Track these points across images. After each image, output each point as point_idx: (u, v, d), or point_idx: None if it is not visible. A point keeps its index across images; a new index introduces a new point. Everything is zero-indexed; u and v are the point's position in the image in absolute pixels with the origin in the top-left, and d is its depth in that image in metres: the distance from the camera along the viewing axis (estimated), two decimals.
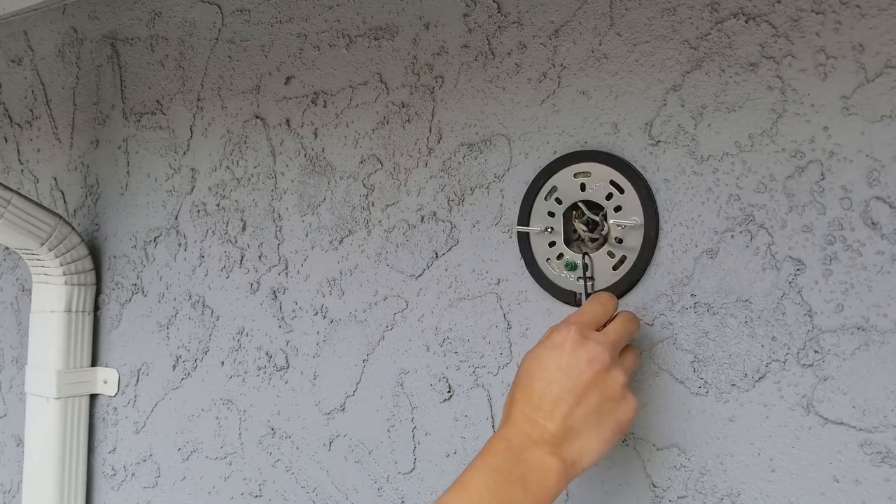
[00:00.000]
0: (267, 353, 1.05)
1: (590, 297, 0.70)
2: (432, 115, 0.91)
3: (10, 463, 1.40)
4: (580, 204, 0.80)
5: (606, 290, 0.78)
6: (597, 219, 0.78)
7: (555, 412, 0.60)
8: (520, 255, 0.83)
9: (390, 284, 0.94)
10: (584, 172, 0.79)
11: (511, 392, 0.64)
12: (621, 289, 0.77)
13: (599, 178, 0.78)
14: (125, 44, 1.25)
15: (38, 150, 1.40)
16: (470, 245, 0.88)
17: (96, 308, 1.26)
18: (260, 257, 1.07)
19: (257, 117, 1.08)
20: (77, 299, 1.22)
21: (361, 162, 0.97)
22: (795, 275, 0.68)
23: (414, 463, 0.91)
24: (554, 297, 0.81)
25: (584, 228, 0.79)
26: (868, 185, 0.66)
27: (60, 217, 1.18)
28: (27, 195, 1.17)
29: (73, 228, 1.20)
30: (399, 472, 0.92)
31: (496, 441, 0.60)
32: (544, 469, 0.58)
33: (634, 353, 0.70)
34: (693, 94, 0.74)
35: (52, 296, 1.20)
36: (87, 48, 1.32)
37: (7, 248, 1.44)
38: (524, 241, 0.83)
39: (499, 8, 0.87)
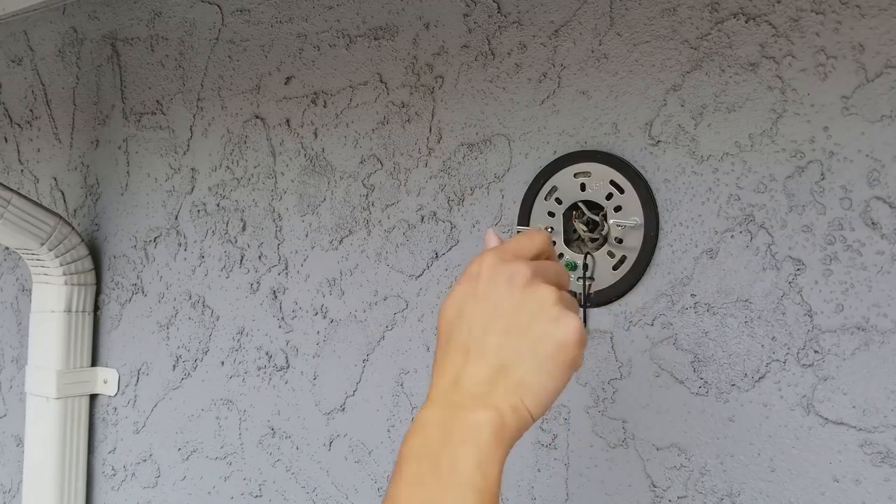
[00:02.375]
0: (267, 353, 1.05)
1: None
2: (432, 115, 0.91)
3: (10, 463, 1.40)
4: (580, 204, 0.80)
5: (606, 290, 0.78)
6: (597, 219, 0.78)
7: (480, 351, 0.49)
8: None
9: (390, 284, 0.94)
10: (584, 172, 0.79)
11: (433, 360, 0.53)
12: (621, 289, 0.77)
13: (599, 178, 0.78)
14: (125, 44, 1.25)
15: (38, 150, 1.40)
16: (470, 245, 0.88)
17: (96, 308, 1.26)
18: (260, 257, 1.07)
19: (257, 117, 1.08)
20: (77, 299, 1.22)
21: (361, 162, 0.97)
22: (795, 275, 0.68)
23: None
24: None
25: (584, 228, 0.79)
26: (868, 185, 0.66)
27: (60, 217, 1.18)
28: (27, 195, 1.17)
29: (73, 228, 1.20)
30: None
31: (412, 437, 0.48)
32: (475, 429, 0.46)
33: (558, 268, 0.56)
34: (693, 94, 0.74)
35: (52, 296, 1.20)
36: (87, 48, 1.32)
37: (7, 248, 1.44)
38: None
39: (499, 8, 0.87)
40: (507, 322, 0.49)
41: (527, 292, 0.50)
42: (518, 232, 0.83)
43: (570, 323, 0.49)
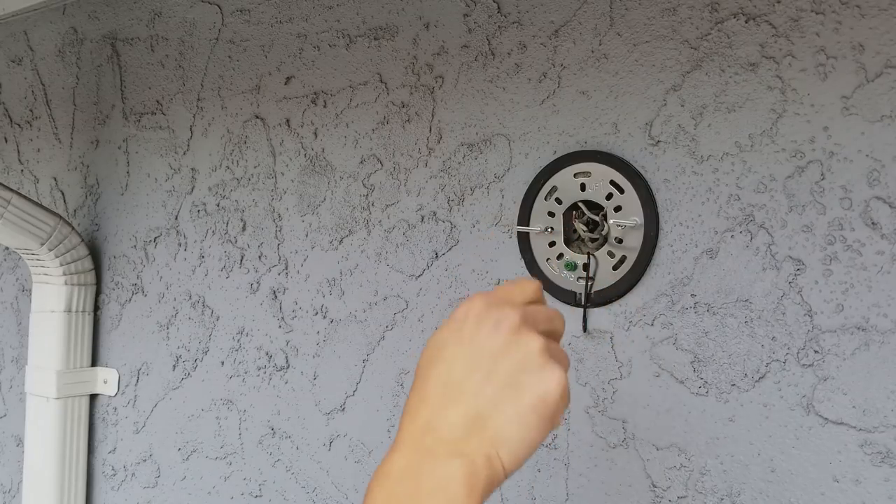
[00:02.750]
0: (267, 353, 1.05)
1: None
2: (432, 115, 0.91)
3: (10, 463, 1.40)
4: (580, 204, 0.80)
5: (606, 290, 0.78)
6: (597, 219, 0.78)
7: (458, 395, 0.47)
8: (520, 255, 0.83)
9: (390, 284, 0.94)
10: (584, 172, 0.79)
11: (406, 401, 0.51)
12: (621, 289, 0.77)
13: (599, 178, 0.78)
14: (125, 44, 1.25)
15: (38, 150, 1.40)
16: (470, 245, 0.88)
17: (96, 308, 1.26)
18: (260, 257, 1.07)
19: (257, 117, 1.08)
20: (77, 299, 1.22)
21: (361, 162, 0.97)
22: (795, 275, 0.68)
23: None
24: (554, 297, 0.81)
25: (584, 228, 0.79)
26: (868, 185, 0.66)
27: (60, 217, 1.18)
28: (27, 195, 1.17)
29: (73, 228, 1.20)
30: None
31: (377, 488, 0.46)
32: (445, 480, 0.44)
33: (551, 313, 0.53)
34: (693, 94, 0.74)
35: (52, 296, 1.20)
36: (87, 48, 1.32)
37: (7, 248, 1.44)
38: (524, 241, 0.83)
39: (499, 8, 0.87)
40: (489, 368, 0.47)
41: (513, 339, 0.47)
42: (518, 232, 0.83)
43: (554, 376, 0.46)
